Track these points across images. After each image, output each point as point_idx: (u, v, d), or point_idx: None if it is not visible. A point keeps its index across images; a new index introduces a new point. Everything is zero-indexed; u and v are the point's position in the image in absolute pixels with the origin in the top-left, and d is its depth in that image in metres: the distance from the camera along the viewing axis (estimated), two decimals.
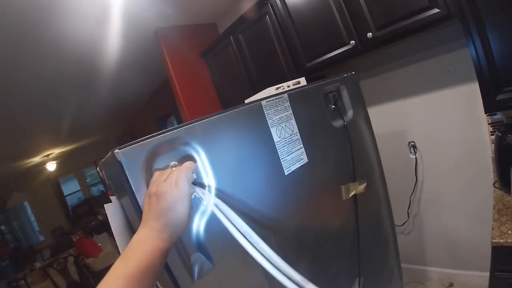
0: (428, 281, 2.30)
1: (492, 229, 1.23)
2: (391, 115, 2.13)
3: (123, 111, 6.90)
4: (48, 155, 7.91)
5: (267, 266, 0.60)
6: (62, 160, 9.28)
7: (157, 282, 1.01)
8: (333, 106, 1.10)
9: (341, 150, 1.11)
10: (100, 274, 4.28)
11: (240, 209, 0.70)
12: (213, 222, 0.67)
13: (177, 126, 0.67)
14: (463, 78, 1.75)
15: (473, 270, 2.07)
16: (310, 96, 1.02)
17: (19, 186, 8.88)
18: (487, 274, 1.25)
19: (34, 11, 1.94)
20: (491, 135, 1.72)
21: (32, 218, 9.64)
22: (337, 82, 1.14)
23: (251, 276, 0.75)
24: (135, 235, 0.57)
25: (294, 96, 0.91)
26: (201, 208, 0.67)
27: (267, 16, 2.08)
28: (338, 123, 1.10)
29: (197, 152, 0.68)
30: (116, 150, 0.60)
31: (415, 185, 2.14)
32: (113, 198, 0.98)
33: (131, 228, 0.91)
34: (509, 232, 1.17)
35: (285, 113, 0.87)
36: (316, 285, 0.61)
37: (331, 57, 1.84)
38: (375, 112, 2.12)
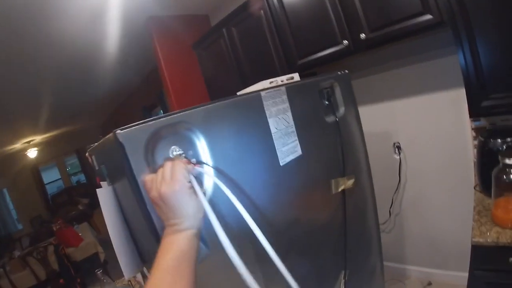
0: (407, 280, 2.36)
1: (472, 229, 1.28)
2: (378, 115, 2.18)
3: (107, 100, 6.78)
4: (30, 141, 7.75)
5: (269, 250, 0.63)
6: (43, 147, 9.09)
7: (145, 269, 1.02)
8: (326, 102, 1.13)
9: (332, 145, 1.14)
10: (81, 264, 4.23)
11: (236, 196, 0.71)
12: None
13: (180, 110, 0.68)
14: (450, 83, 1.81)
15: (451, 270, 2.14)
16: (306, 91, 1.04)
17: None
18: (465, 274, 1.30)
19: None
20: (474, 140, 1.78)
21: (11, 206, 9.41)
22: (332, 79, 1.17)
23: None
24: (162, 239, 0.61)
25: (291, 90, 0.93)
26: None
27: (261, 11, 2.09)
28: (330, 118, 1.13)
29: (197, 137, 0.69)
30: (118, 131, 0.60)
31: (398, 185, 2.20)
32: (104, 183, 0.98)
33: (123, 214, 0.92)
34: (488, 233, 1.22)
35: (282, 105, 0.89)
36: (304, 276, 0.64)
37: (323, 55, 1.87)
38: (363, 112, 2.14)
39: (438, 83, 1.87)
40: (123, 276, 2.07)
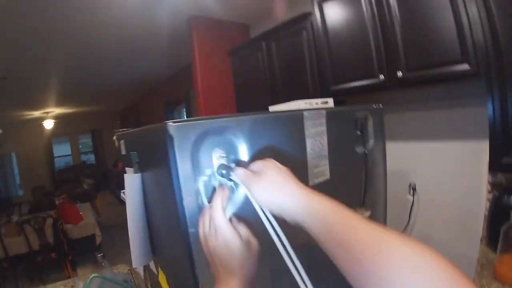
0: None
1: (473, 281, 1.28)
2: (399, 153, 2.18)
3: (129, 88, 6.92)
4: (48, 112, 7.89)
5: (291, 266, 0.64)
6: (61, 120, 9.25)
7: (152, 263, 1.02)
8: (358, 133, 1.15)
9: (357, 175, 1.15)
10: (75, 243, 4.26)
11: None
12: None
13: (227, 115, 0.70)
14: (475, 134, 1.81)
15: None
16: (342, 118, 1.06)
17: (11, 135, 8.79)
18: None
19: None
20: (489, 193, 1.77)
21: (16, 170, 9.55)
22: (367, 111, 1.19)
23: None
24: None
25: (330, 114, 0.96)
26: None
27: (304, 31, 2.13)
28: (360, 149, 1.15)
29: (240, 143, 0.71)
30: (170, 123, 0.62)
31: (406, 225, 2.19)
32: (129, 170, 1.00)
33: (145, 202, 0.93)
34: (486, 287, 1.22)
35: (320, 128, 0.91)
36: None
37: (357, 85, 1.89)
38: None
39: (463, 131, 1.88)
40: (116, 263, 2.08)
